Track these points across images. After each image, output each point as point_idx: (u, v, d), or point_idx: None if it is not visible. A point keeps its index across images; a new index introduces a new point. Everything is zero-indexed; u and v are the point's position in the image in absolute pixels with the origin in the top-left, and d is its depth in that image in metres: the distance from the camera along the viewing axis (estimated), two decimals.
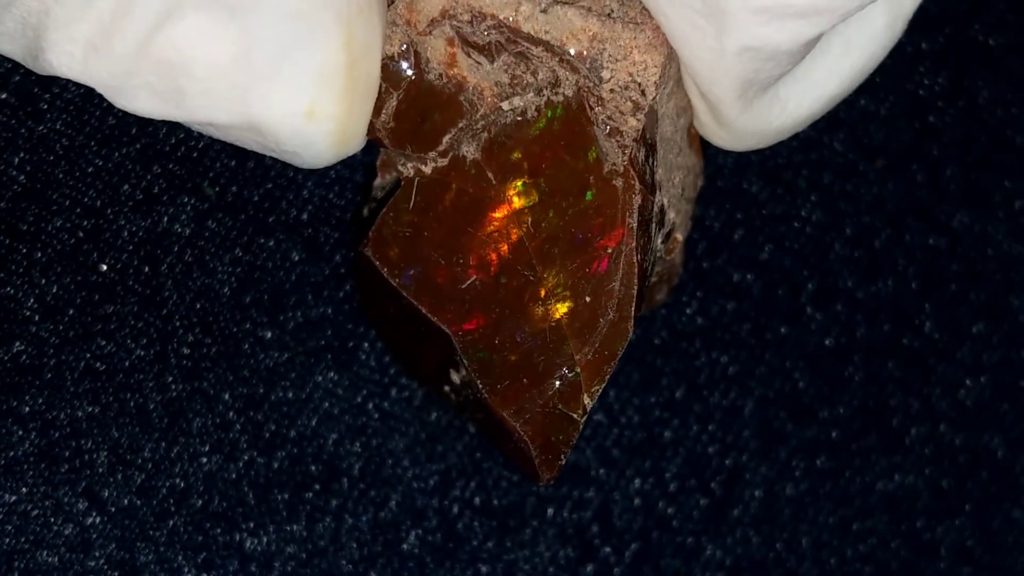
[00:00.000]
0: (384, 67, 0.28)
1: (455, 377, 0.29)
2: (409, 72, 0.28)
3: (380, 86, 0.28)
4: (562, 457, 0.28)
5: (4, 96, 0.32)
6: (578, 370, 0.28)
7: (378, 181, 0.30)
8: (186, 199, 0.33)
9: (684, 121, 0.29)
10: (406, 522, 0.34)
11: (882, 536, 0.36)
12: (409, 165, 0.28)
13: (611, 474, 0.35)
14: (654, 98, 0.27)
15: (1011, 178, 0.37)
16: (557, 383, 0.28)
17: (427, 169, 0.28)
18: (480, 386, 0.28)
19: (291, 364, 0.34)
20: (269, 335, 0.33)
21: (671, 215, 0.30)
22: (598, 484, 0.35)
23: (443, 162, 0.28)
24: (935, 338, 0.36)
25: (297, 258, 0.34)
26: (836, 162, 0.36)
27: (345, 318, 0.34)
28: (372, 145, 0.29)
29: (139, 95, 0.25)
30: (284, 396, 0.34)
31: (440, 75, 0.28)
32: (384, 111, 0.28)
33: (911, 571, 0.36)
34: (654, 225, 0.29)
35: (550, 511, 0.35)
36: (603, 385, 0.28)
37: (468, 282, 0.28)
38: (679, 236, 0.31)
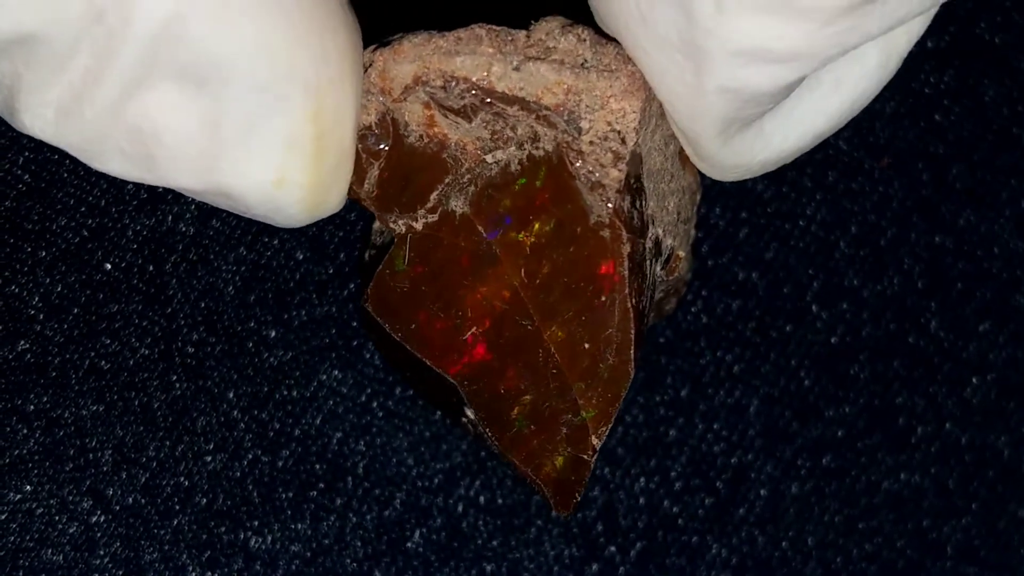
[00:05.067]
0: (362, 138, 0.28)
1: (469, 413, 0.30)
2: (382, 145, 0.28)
3: (361, 157, 0.28)
4: (577, 495, 0.29)
5: None
6: (583, 414, 0.28)
7: (377, 225, 0.30)
8: (190, 198, 0.33)
9: (673, 148, 0.29)
10: (411, 521, 0.34)
11: (888, 535, 0.36)
12: (400, 222, 0.28)
13: (616, 473, 0.35)
14: (635, 143, 0.27)
15: (1017, 177, 0.37)
16: (564, 428, 0.28)
17: (418, 225, 0.28)
18: (489, 434, 0.28)
19: (295, 363, 0.34)
20: (273, 334, 0.34)
21: (668, 242, 0.30)
22: (603, 483, 0.35)
23: (433, 218, 0.28)
24: (941, 337, 0.36)
25: (301, 257, 0.34)
26: (841, 161, 0.36)
27: (349, 316, 0.34)
28: None
29: (112, 159, 0.26)
30: (289, 395, 0.34)
31: (421, 136, 0.28)
32: (367, 181, 0.28)
33: (917, 570, 0.36)
34: (649, 262, 0.29)
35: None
36: (610, 425, 0.28)
37: (467, 334, 0.28)
38: (681, 254, 0.31)
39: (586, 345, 0.28)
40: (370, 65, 0.28)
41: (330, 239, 0.34)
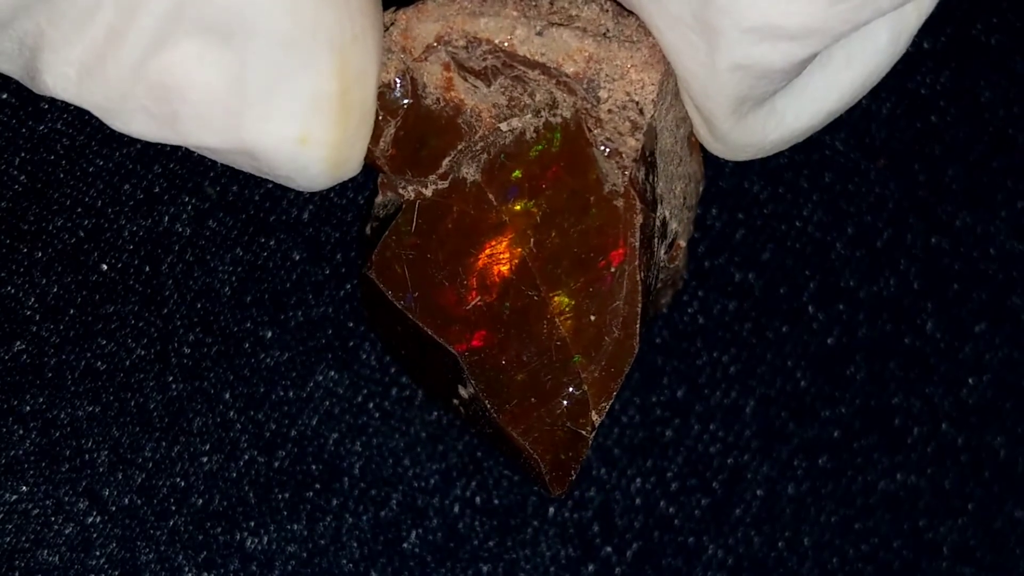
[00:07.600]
0: (380, 95, 0.28)
1: (463, 392, 0.29)
2: (405, 101, 0.28)
3: (378, 115, 0.28)
4: (572, 473, 0.29)
5: (5, 96, 0.33)
6: (585, 388, 0.28)
7: (379, 199, 0.30)
8: (187, 199, 0.33)
9: (684, 131, 0.29)
10: (407, 521, 0.34)
11: (884, 536, 0.36)
12: (410, 188, 0.28)
13: (612, 473, 0.35)
14: (652, 116, 0.27)
15: (1013, 178, 0.37)
16: (565, 401, 0.28)
17: (427, 192, 0.28)
18: (488, 406, 0.28)
19: (292, 363, 0.34)
20: (270, 334, 0.34)
21: (673, 225, 0.30)
22: (599, 483, 0.35)
23: (443, 184, 0.28)
24: (937, 338, 0.36)
25: (298, 257, 0.34)
26: (837, 162, 0.36)
27: (346, 317, 0.34)
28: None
29: (134, 118, 0.26)
30: (285, 395, 0.34)
31: (437, 99, 0.28)
32: (383, 139, 0.28)
33: (913, 571, 0.36)
34: (656, 239, 0.29)
35: (551, 510, 0.35)
36: (611, 402, 0.28)
37: (472, 303, 0.28)
38: (682, 243, 0.31)
39: (592, 317, 0.28)
40: (392, 24, 0.28)
41: (326, 240, 0.34)
